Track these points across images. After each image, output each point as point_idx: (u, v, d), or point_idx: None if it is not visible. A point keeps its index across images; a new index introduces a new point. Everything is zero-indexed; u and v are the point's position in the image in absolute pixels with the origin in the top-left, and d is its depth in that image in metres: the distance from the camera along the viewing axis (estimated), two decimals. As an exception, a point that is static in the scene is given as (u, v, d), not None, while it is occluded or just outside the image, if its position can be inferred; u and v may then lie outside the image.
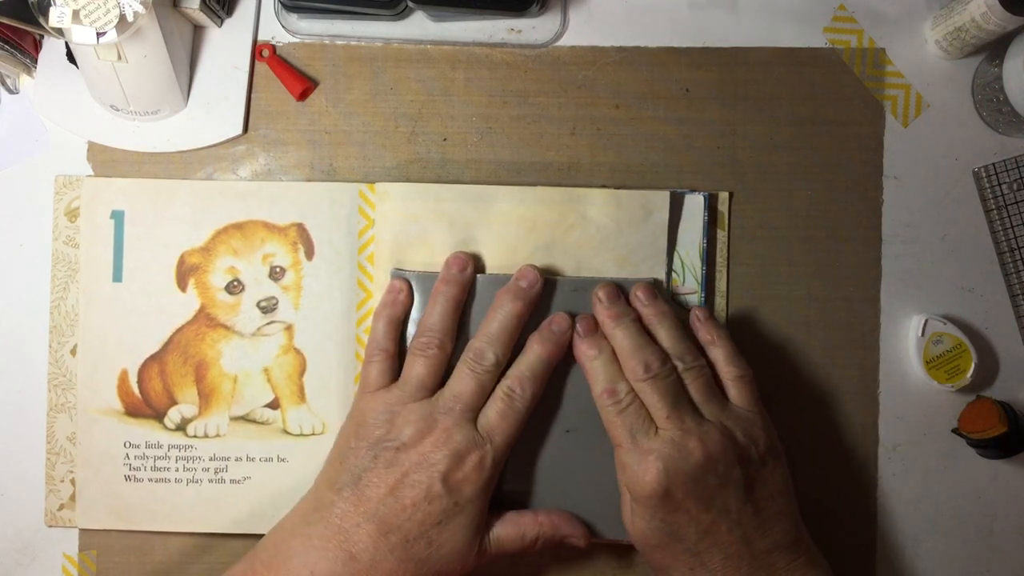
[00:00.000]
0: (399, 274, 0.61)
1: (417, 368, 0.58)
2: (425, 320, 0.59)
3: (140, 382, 0.63)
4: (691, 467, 0.54)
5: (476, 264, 0.61)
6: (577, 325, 0.59)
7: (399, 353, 0.60)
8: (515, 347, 0.59)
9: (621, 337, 0.58)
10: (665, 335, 0.58)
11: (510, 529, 0.57)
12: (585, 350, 0.58)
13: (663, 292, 0.62)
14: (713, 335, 0.60)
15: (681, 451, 0.54)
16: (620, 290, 0.60)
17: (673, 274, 0.63)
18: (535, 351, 0.58)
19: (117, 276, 0.63)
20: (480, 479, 0.55)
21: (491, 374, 0.57)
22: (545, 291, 0.61)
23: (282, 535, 0.56)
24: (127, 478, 0.62)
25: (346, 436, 0.58)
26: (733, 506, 0.54)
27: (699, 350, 0.59)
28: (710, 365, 0.59)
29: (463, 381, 0.57)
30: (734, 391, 0.59)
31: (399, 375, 0.59)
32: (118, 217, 0.63)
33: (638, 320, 0.59)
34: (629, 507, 0.57)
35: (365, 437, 0.56)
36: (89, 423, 0.63)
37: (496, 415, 0.56)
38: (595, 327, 0.59)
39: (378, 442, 0.56)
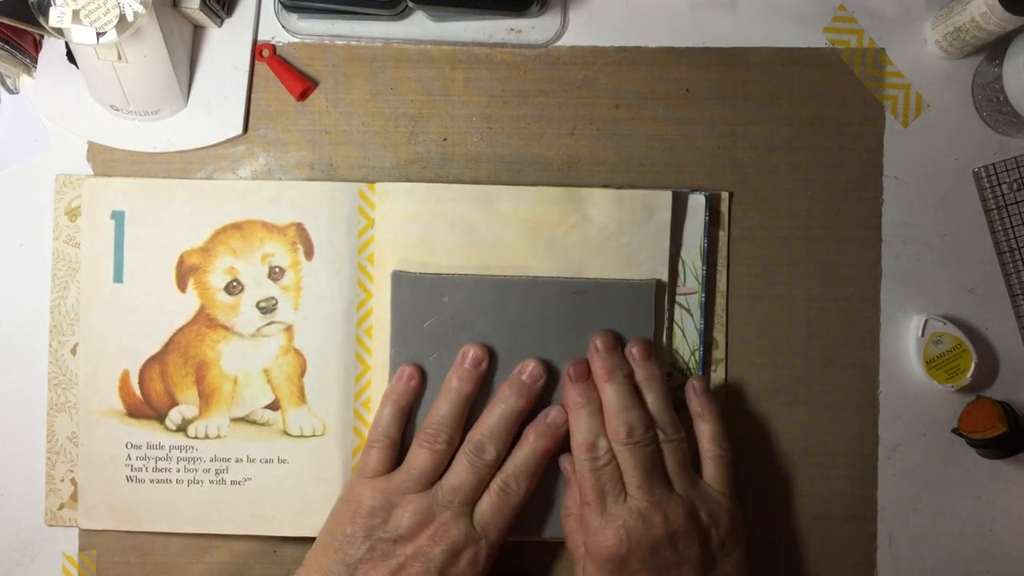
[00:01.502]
0: (400, 277, 0.61)
1: (421, 459, 0.57)
2: (435, 412, 0.59)
3: (141, 383, 0.63)
4: (651, 539, 0.55)
5: (492, 357, 0.60)
6: (570, 368, 0.59)
7: (403, 440, 0.60)
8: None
9: (611, 394, 0.58)
10: (653, 400, 0.59)
11: None
12: (574, 397, 0.59)
13: (660, 349, 0.62)
14: (704, 409, 0.60)
15: (645, 523, 0.55)
16: (618, 340, 0.60)
17: (675, 274, 0.63)
18: (531, 445, 0.58)
19: (118, 276, 0.63)
20: (474, 574, 0.56)
21: (490, 468, 0.57)
22: (546, 292, 0.61)
23: None
24: (128, 479, 0.62)
25: (340, 522, 0.57)
26: None
27: (682, 422, 0.59)
28: (692, 437, 0.60)
29: (461, 474, 0.57)
30: (711, 469, 0.59)
31: (399, 462, 0.59)
32: (118, 217, 0.63)
33: (631, 376, 0.59)
34: (583, 564, 0.57)
35: (361, 525, 0.56)
36: (91, 424, 0.63)
37: (491, 510, 0.57)
38: (587, 373, 0.59)
39: (374, 532, 0.56)
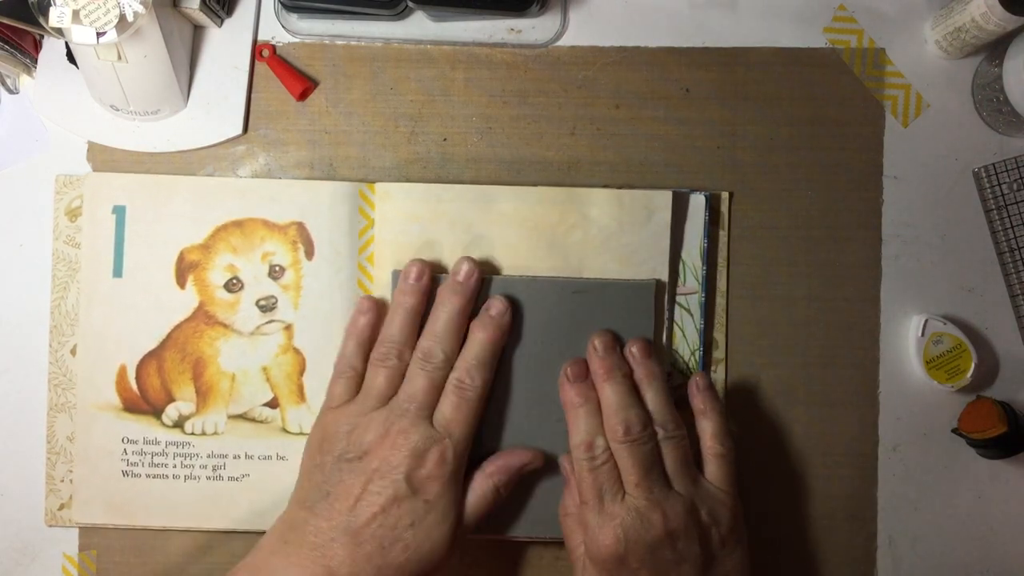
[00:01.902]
0: (398, 277, 0.61)
1: (377, 379, 0.58)
2: (384, 330, 0.59)
3: (138, 378, 0.63)
4: (650, 539, 0.54)
5: (434, 271, 0.60)
6: (568, 369, 0.59)
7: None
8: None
9: (610, 393, 0.58)
10: (652, 398, 0.58)
11: (471, 499, 0.57)
12: (572, 396, 0.58)
13: (660, 349, 0.62)
14: (707, 406, 0.60)
15: (644, 521, 0.55)
16: (617, 340, 0.60)
17: (675, 274, 0.63)
18: (478, 339, 0.58)
19: (117, 272, 0.63)
20: (444, 474, 0.55)
21: (441, 371, 0.57)
22: (546, 292, 0.61)
23: (262, 555, 0.56)
24: (125, 474, 0.62)
25: (311, 452, 0.58)
26: None
27: (682, 419, 0.59)
28: (694, 435, 0.59)
29: (414, 381, 0.57)
30: (712, 467, 0.59)
31: None
32: (120, 212, 0.63)
33: (629, 376, 0.59)
34: (582, 563, 0.57)
35: (329, 451, 0.56)
36: (88, 418, 0.63)
37: (450, 408, 0.57)
38: (585, 373, 0.59)
39: (341, 455, 0.56)
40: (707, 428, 0.60)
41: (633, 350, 0.59)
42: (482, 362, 0.58)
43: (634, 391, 0.58)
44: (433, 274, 0.60)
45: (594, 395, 0.58)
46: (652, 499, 0.55)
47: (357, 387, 0.59)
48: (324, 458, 0.56)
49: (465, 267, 0.59)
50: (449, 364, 0.58)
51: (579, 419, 0.58)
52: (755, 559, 0.61)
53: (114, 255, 0.63)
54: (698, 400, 0.60)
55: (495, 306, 0.59)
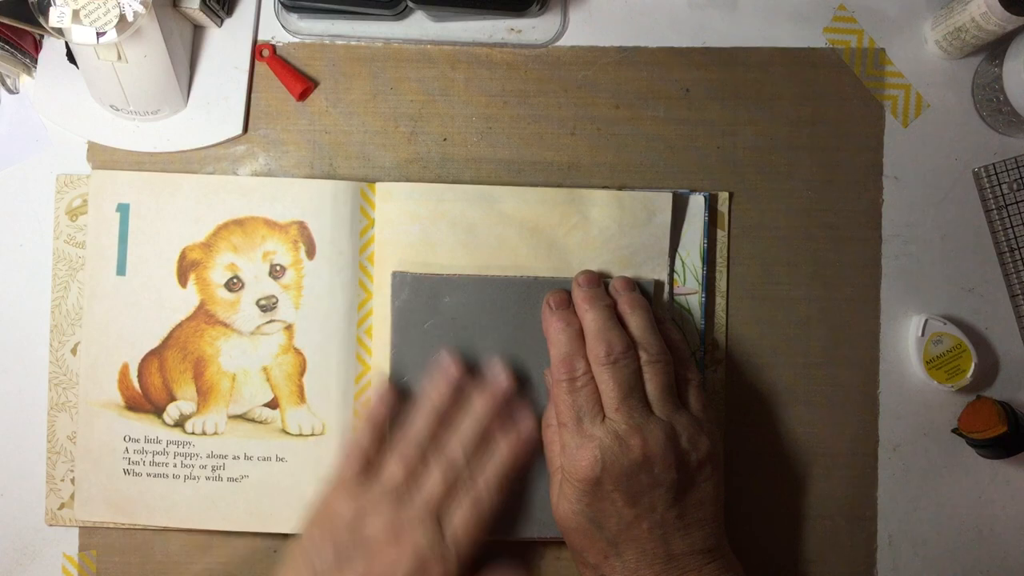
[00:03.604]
0: (400, 277, 0.61)
1: (393, 467, 0.57)
2: (411, 425, 0.59)
3: (140, 377, 0.63)
4: (627, 463, 0.54)
5: (467, 369, 0.60)
6: (550, 298, 0.59)
7: (379, 453, 0.59)
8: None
9: (591, 319, 0.57)
10: (636, 324, 0.58)
11: None
12: (554, 322, 0.58)
13: (662, 293, 0.62)
14: (672, 338, 0.59)
15: (622, 445, 0.54)
16: (601, 279, 0.60)
17: (674, 275, 0.63)
18: (503, 453, 0.58)
19: (121, 269, 0.63)
20: None
21: (460, 476, 0.57)
22: (546, 293, 0.61)
23: None
24: (126, 472, 0.62)
25: (311, 531, 0.57)
26: (659, 507, 0.54)
27: (667, 348, 0.58)
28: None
29: (432, 482, 0.57)
30: (689, 394, 0.58)
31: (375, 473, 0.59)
32: (123, 210, 0.63)
33: (612, 307, 0.58)
34: (558, 486, 0.57)
35: (332, 535, 0.56)
36: (90, 416, 0.63)
37: (462, 519, 0.56)
38: (568, 302, 0.59)
39: (344, 542, 0.55)
40: (677, 357, 0.58)
41: (616, 284, 0.59)
42: (501, 481, 0.58)
43: (616, 318, 0.58)
44: (465, 365, 0.60)
45: (576, 322, 0.58)
46: (632, 423, 0.54)
47: (366, 468, 0.58)
48: (324, 538, 0.56)
49: (498, 372, 0.60)
50: (468, 467, 0.57)
51: (561, 343, 0.57)
52: (754, 558, 0.61)
53: (117, 253, 0.63)
54: (662, 331, 0.59)
55: (525, 425, 0.59)
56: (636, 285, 0.60)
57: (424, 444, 0.58)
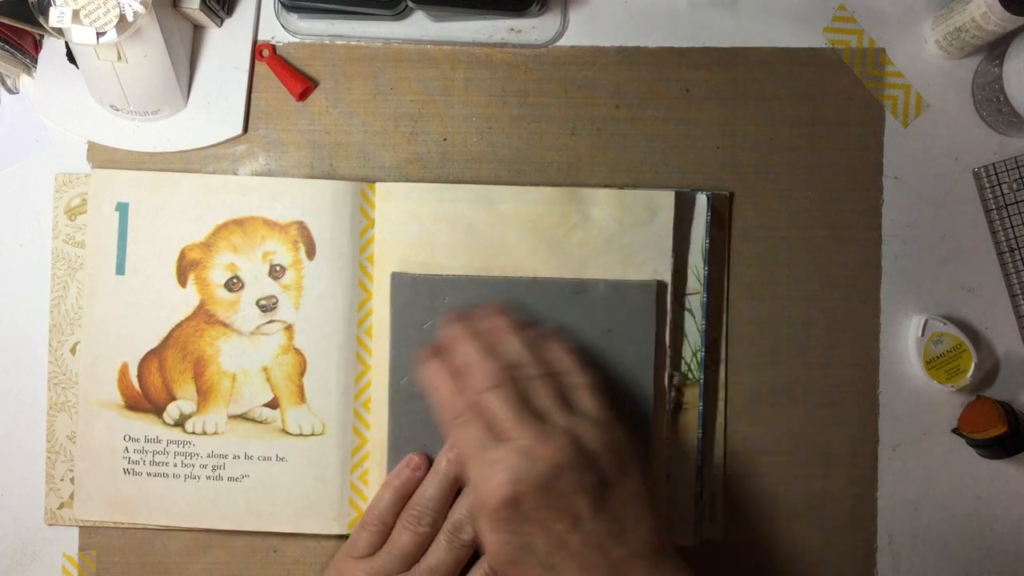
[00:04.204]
0: (400, 278, 0.61)
1: (404, 540, 0.57)
2: (421, 493, 0.58)
3: (140, 376, 0.63)
4: (538, 474, 0.51)
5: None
6: (422, 355, 0.59)
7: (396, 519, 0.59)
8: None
9: (464, 353, 0.56)
10: (513, 347, 0.57)
11: None
12: (426, 373, 0.57)
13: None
14: (558, 348, 0.58)
15: (528, 458, 0.52)
16: (462, 313, 0.59)
17: (676, 275, 0.63)
18: None
19: (120, 269, 0.63)
20: None
21: (468, 548, 0.57)
22: (547, 293, 0.61)
23: None
24: (126, 471, 0.62)
25: None
26: (585, 514, 0.52)
27: (549, 361, 0.57)
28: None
29: (440, 555, 0.56)
30: (584, 399, 0.56)
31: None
32: (123, 209, 0.63)
33: (483, 336, 0.57)
34: (481, 526, 0.55)
35: None
36: (89, 415, 0.63)
37: None
38: (434, 351, 0.58)
39: None
40: (569, 366, 0.57)
41: (488, 312, 0.59)
42: None
43: (489, 346, 0.57)
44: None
45: (449, 364, 0.57)
46: (532, 435, 0.52)
47: (381, 543, 0.58)
48: None
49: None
50: (476, 542, 0.57)
51: (436, 387, 0.56)
52: (754, 558, 0.61)
53: (117, 252, 0.63)
54: (548, 348, 0.58)
55: None
56: (504, 307, 0.59)
57: (436, 514, 0.57)
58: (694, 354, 0.63)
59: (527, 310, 0.61)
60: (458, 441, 0.55)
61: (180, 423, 0.63)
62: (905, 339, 0.64)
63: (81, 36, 0.55)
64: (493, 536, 0.53)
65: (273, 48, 0.65)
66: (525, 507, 0.52)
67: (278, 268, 0.63)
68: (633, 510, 0.53)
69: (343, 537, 0.62)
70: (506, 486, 0.51)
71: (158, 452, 0.62)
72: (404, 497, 0.59)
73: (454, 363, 0.57)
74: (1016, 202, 0.64)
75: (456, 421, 0.55)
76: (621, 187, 0.64)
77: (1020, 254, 0.64)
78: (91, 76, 0.61)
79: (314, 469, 0.62)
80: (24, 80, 0.65)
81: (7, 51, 0.62)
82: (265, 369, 0.63)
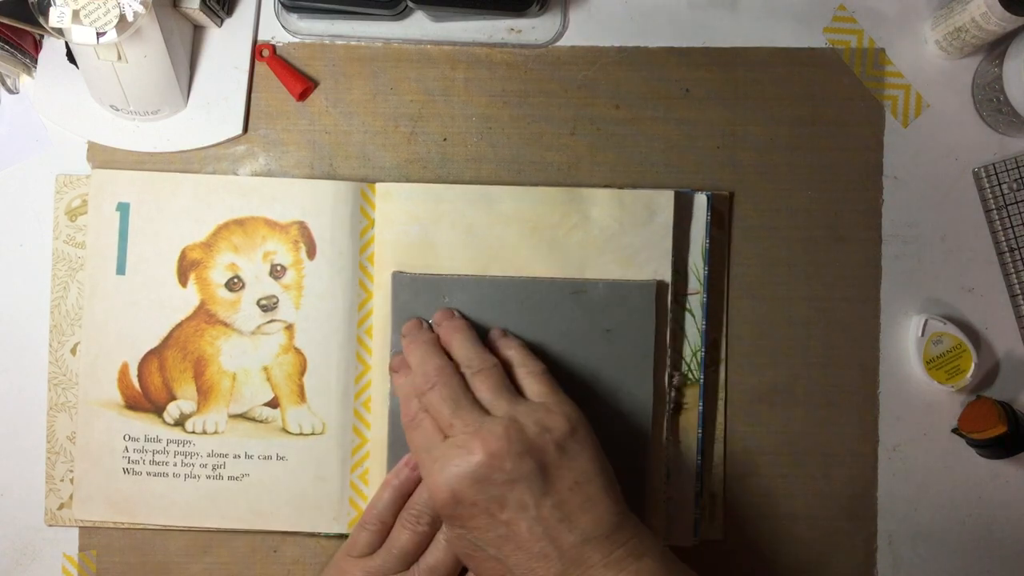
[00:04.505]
0: (400, 278, 0.61)
1: (403, 539, 0.57)
2: (420, 493, 0.58)
3: (140, 376, 0.63)
4: (473, 467, 0.51)
5: None
6: (391, 362, 0.60)
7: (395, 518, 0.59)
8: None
9: (412, 361, 0.57)
10: (457, 346, 0.57)
11: None
12: (395, 383, 0.59)
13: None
14: (505, 346, 0.59)
15: (462, 453, 0.52)
16: (420, 322, 0.60)
17: (677, 275, 0.63)
18: None
19: (120, 269, 0.63)
20: None
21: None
22: (547, 293, 0.61)
23: None
24: (126, 471, 0.62)
25: None
26: (530, 502, 0.51)
27: (500, 354, 0.58)
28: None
29: (438, 554, 0.57)
30: (531, 386, 0.56)
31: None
32: (123, 210, 0.63)
33: (434, 341, 0.58)
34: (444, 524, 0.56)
35: None
36: (90, 415, 0.63)
37: None
38: (403, 362, 0.59)
39: None
40: (514, 358, 0.58)
41: (436, 317, 0.60)
42: None
43: (438, 349, 0.57)
44: None
45: (410, 372, 0.57)
46: (468, 430, 0.52)
47: (381, 541, 0.58)
48: None
49: None
50: None
51: (401, 396, 0.57)
52: (754, 558, 0.61)
53: (117, 252, 0.63)
54: (500, 345, 0.59)
55: None
56: (455, 313, 0.60)
57: (433, 514, 0.57)
58: (694, 354, 0.63)
59: (527, 310, 0.61)
60: (410, 443, 0.56)
61: (180, 423, 0.63)
62: (905, 339, 0.64)
63: (81, 36, 0.55)
64: (449, 532, 0.54)
65: (273, 48, 0.65)
66: (467, 501, 0.51)
67: (279, 268, 0.63)
68: (582, 492, 0.52)
69: (343, 536, 0.62)
70: (446, 483, 0.52)
71: (158, 452, 0.62)
72: (403, 496, 0.59)
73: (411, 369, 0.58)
74: (1016, 202, 0.64)
75: (410, 424, 0.56)
76: (621, 187, 0.64)
77: (1020, 254, 0.64)
78: (91, 76, 0.61)
79: (314, 468, 0.62)
80: (24, 80, 0.65)
81: (7, 51, 0.62)
82: (265, 369, 0.63)
